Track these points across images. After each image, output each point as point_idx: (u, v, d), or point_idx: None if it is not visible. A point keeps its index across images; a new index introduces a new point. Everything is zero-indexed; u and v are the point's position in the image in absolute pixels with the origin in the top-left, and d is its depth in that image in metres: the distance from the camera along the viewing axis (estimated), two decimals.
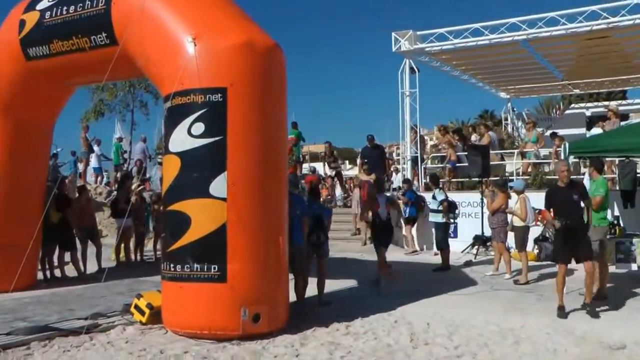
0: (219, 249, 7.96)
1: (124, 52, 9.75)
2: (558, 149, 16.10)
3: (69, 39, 10.85)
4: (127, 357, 7.28)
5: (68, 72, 11.74)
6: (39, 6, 11.28)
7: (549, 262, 13.35)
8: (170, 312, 8.38)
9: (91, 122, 26.57)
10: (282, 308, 8.48)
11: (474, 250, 15.60)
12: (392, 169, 24.72)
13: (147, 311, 8.69)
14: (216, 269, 7.95)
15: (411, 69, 20.16)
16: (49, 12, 11.08)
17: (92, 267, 14.18)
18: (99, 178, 25.43)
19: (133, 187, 17.07)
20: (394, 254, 16.57)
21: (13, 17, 11.79)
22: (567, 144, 11.98)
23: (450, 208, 14.43)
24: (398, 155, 26.65)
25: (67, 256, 13.67)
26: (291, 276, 9.23)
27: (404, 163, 21.24)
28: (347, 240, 18.35)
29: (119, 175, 23.95)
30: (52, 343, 7.95)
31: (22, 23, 11.47)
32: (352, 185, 18.37)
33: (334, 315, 9.17)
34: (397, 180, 23.31)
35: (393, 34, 19.83)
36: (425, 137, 27.67)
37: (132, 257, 15.90)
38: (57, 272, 13.55)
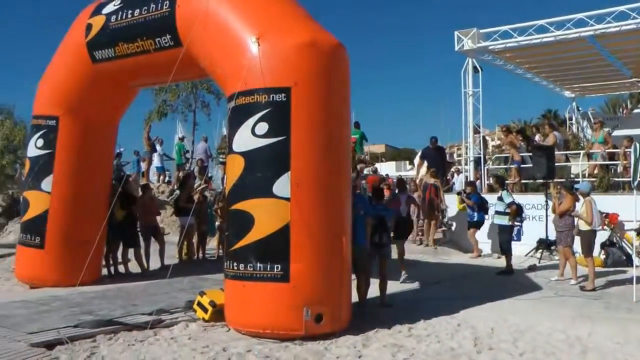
0: (282, 249, 7.98)
1: (188, 53, 9.88)
2: (627, 150, 15.60)
3: (134, 42, 11.08)
4: (190, 353, 7.35)
5: (133, 74, 12.00)
6: (105, 10, 11.55)
7: (616, 269, 13.05)
8: (232, 311, 8.43)
9: (154, 122, 27.05)
10: (344, 309, 8.44)
11: (538, 254, 15.26)
12: (453, 170, 24.48)
13: (209, 309, 8.78)
14: (279, 268, 7.97)
15: (474, 68, 19.90)
16: (114, 16, 11.33)
17: (155, 264, 14.42)
18: (162, 177, 25.82)
19: (195, 186, 17.27)
20: (456, 258, 16.46)
21: (80, 22, 12.09)
22: (638, 145, 11.65)
23: (518, 211, 14.14)
24: (459, 156, 26.38)
25: (131, 253, 13.91)
26: (353, 277, 9.18)
27: (466, 164, 20.97)
28: (408, 241, 18.19)
29: (181, 174, 24.29)
30: (118, 337, 8.11)
31: (89, 27, 11.75)
32: (411, 186, 18.13)
33: (396, 317, 9.11)
34: (458, 181, 23.05)
35: (456, 32, 19.58)
36: (487, 138, 27.29)
37: (195, 255, 16.08)
38: (121, 268, 13.81)
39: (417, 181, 19.53)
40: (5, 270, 14.77)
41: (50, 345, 7.60)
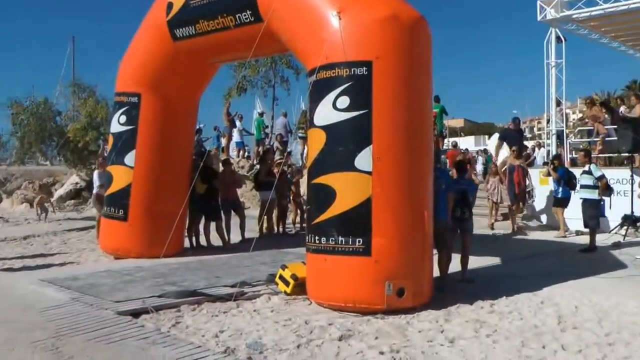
0: (364, 223, 7.96)
1: (268, 28, 9.90)
2: None
3: (215, 19, 11.18)
4: (273, 325, 7.42)
5: (213, 51, 12.14)
6: None
7: None
8: (314, 284, 8.48)
9: (233, 98, 27.29)
10: (426, 283, 8.38)
11: (622, 231, 14.77)
12: (533, 144, 23.96)
13: (291, 282, 8.84)
14: (361, 242, 7.95)
15: (557, 38, 19.33)
16: None
17: (235, 237, 14.62)
18: (241, 152, 26.13)
19: (275, 160, 17.40)
20: (537, 234, 16.13)
21: (160, 1, 12.28)
22: None
23: (608, 185, 13.62)
24: (539, 130, 25.80)
25: (212, 226, 14.13)
26: (435, 251, 9.10)
27: (548, 138, 20.47)
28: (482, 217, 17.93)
29: (260, 149, 24.53)
30: (201, 308, 8.26)
31: (170, 5, 11.94)
32: (492, 167, 17.64)
33: (477, 293, 8.98)
34: (539, 155, 22.56)
35: (538, 2, 19.00)
36: (568, 111, 26.55)
37: (275, 229, 16.24)
38: (203, 241, 14.04)
39: (499, 164, 18.93)
40: (90, 241, 15.27)
41: (136, 314, 7.82)
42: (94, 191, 15.12)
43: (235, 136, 25.85)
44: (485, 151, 28.39)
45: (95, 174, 15.34)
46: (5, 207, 26.73)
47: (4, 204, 27.79)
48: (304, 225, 16.12)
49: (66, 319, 7.58)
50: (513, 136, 19.44)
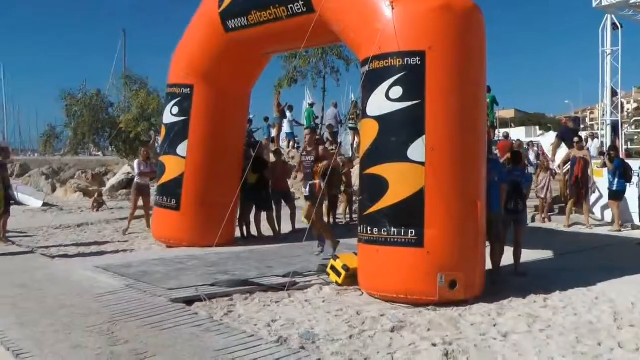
0: (417, 214, 7.90)
1: (321, 19, 9.89)
2: None
3: (267, 9, 11.20)
4: (324, 315, 7.43)
5: (265, 42, 12.18)
6: None
7: None
8: (366, 275, 8.46)
9: (284, 89, 27.35)
10: (478, 276, 8.27)
11: None
12: (587, 134, 23.48)
13: (343, 273, 8.83)
14: (413, 233, 7.91)
15: (613, 24, 18.87)
16: None
17: (286, 227, 14.66)
18: (291, 143, 26.20)
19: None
20: (594, 228, 15.80)
21: None
22: None
23: None
24: (592, 120, 25.33)
25: (263, 216, 14.18)
26: (487, 244, 8.99)
27: (602, 129, 20.02)
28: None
29: None
30: (253, 297, 8.32)
31: None
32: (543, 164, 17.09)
33: (530, 287, 8.82)
34: (593, 147, 22.11)
35: None
36: (623, 100, 25.96)
37: (325, 219, 16.21)
38: (254, 231, 14.11)
39: (559, 162, 18.28)
40: (143, 230, 15.49)
41: (189, 302, 7.94)
42: (136, 180, 15.46)
43: (286, 127, 25.94)
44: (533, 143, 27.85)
45: (135, 163, 15.60)
46: (59, 196, 27.30)
47: (58, 192, 28.39)
48: (354, 216, 16.18)
49: (120, 305, 7.75)
50: (566, 133, 18.93)
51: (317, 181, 10.77)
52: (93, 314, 7.30)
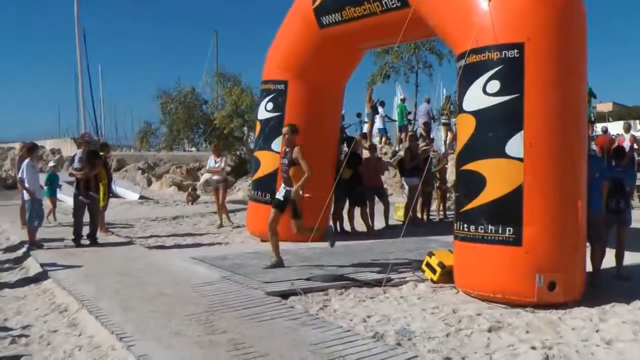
0: (515, 211, 7.71)
1: (416, 13, 9.78)
2: None
3: (361, 5, 11.19)
4: (420, 313, 7.37)
5: (359, 37, 12.17)
6: None
7: None
8: (462, 273, 8.34)
9: (377, 84, 27.26)
10: (578, 278, 7.98)
11: None
12: None
13: (438, 270, 8.75)
14: (511, 231, 7.72)
15: None
16: None
17: (379, 224, 14.61)
18: (383, 139, 26.11)
19: (420, 147, 17.24)
20: None
21: None
22: None
23: None
24: None
25: (357, 212, 14.18)
26: (587, 244, 8.65)
27: None
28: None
29: (403, 135, 24.42)
30: (348, 292, 8.33)
31: None
32: None
33: (634, 292, 8.41)
34: None
35: None
36: None
37: (419, 216, 16.11)
38: (347, 227, 14.10)
39: None
40: (237, 223, 15.76)
41: (284, 295, 8.02)
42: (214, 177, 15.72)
43: (378, 122, 25.87)
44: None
45: (211, 159, 15.86)
46: (154, 190, 28.16)
47: (153, 186, 29.28)
48: (448, 212, 16.01)
49: (217, 296, 7.93)
50: None
51: (294, 188, 9.49)
52: (191, 303, 7.48)
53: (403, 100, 26.72)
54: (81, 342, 6.54)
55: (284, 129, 9.85)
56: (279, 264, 9.69)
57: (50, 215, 16.21)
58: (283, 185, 9.77)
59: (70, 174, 13.18)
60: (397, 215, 15.85)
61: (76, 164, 12.74)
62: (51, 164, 20.01)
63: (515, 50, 7.96)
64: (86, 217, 12.74)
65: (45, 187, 16.54)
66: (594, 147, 18.41)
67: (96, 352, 6.19)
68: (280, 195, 9.82)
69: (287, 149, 9.69)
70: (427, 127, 24.07)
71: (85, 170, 12.52)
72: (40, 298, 8.75)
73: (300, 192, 9.42)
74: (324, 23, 12.04)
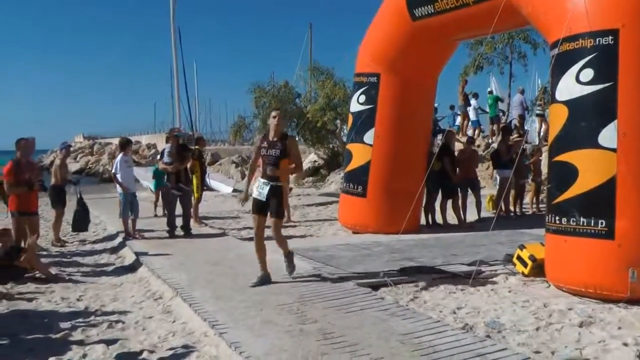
0: (607, 204, 7.52)
1: (509, 2, 9.65)
2: None
3: None
4: (510, 305, 7.32)
5: (452, 28, 12.08)
6: None
7: None
8: (553, 266, 8.20)
9: (470, 76, 26.93)
10: None
11: None
12: None
13: (529, 263, 8.64)
14: (603, 224, 7.54)
15: None
16: None
17: (471, 216, 14.51)
18: (477, 131, 25.78)
19: (512, 138, 16.99)
20: None
21: None
22: None
23: None
24: None
25: (449, 204, 14.11)
26: None
27: None
28: None
29: (495, 127, 24.06)
30: (439, 284, 8.35)
31: None
32: None
33: None
34: None
35: None
36: None
37: (512, 208, 15.88)
38: (439, 219, 14.07)
39: None
40: (329, 216, 15.94)
41: (374, 287, 8.11)
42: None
43: (471, 115, 25.57)
44: None
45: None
46: None
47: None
48: (541, 205, 15.71)
49: (308, 287, 8.09)
50: None
51: (282, 182, 8.35)
52: (283, 294, 7.67)
53: (491, 92, 26.33)
54: (175, 328, 6.85)
55: (274, 113, 8.33)
56: (265, 278, 8.32)
57: (157, 207, 16.77)
58: (264, 181, 8.19)
59: (162, 169, 13.61)
60: (489, 207, 15.69)
61: (166, 158, 13.16)
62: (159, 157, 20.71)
63: (610, 37, 7.77)
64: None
65: (152, 180, 17.25)
66: None
67: (189, 338, 6.47)
68: (261, 195, 8.17)
69: (274, 138, 8.20)
70: (522, 119, 23.64)
71: (176, 163, 12.91)
72: (135, 286, 9.19)
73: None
74: (417, 15, 12.02)
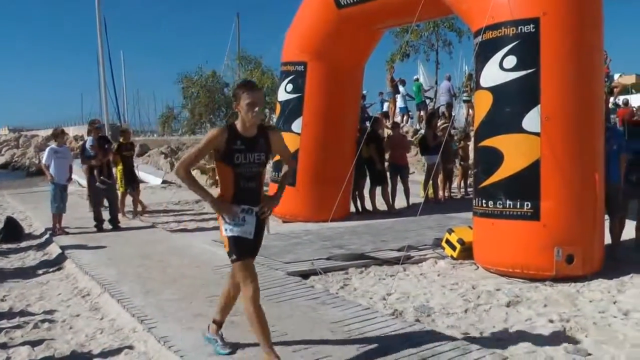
0: (532, 186, 7.74)
1: None
2: None
3: None
4: (439, 289, 7.44)
5: (377, 16, 12.15)
6: None
7: None
8: (481, 249, 8.38)
9: (396, 63, 27.20)
10: (597, 250, 8.01)
11: None
12: None
13: (458, 246, 8.79)
14: (529, 206, 7.75)
15: None
16: None
17: (400, 202, 14.63)
18: (405, 117, 26.07)
19: (440, 124, 17.20)
20: None
21: None
22: None
23: None
24: None
25: (378, 191, 14.20)
26: (606, 217, 8.68)
27: None
28: None
29: (423, 113, 24.37)
30: (368, 270, 8.44)
31: None
32: None
33: None
34: None
35: None
36: None
37: (440, 193, 16.09)
38: (369, 205, 14.16)
39: None
40: None
41: (305, 275, 8.13)
42: None
43: (399, 102, 25.83)
44: None
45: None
46: None
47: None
48: (469, 189, 15.98)
49: None
50: None
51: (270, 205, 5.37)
52: (213, 285, 7.57)
53: (417, 80, 26.68)
54: (103, 326, 6.70)
55: (251, 94, 4.86)
56: None
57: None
58: (244, 208, 5.08)
59: (83, 162, 13.24)
60: (422, 193, 15.88)
61: (87, 152, 12.84)
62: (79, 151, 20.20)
63: (531, 25, 7.96)
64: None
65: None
66: (615, 119, 18.26)
67: (118, 335, 6.34)
68: (248, 230, 5.06)
69: (259, 138, 5.09)
70: (449, 105, 24.02)
71: (99, 156, 12.62)
72: (62, 283, 8.95)
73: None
74: (342, 3, 12.02)
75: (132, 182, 14.31)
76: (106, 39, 27.08)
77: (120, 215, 13.40)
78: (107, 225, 12.65)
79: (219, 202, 5.17)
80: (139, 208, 14.64)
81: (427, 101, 25.92)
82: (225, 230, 5.08)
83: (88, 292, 8.10)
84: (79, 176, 19.22)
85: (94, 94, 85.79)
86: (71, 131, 66.84)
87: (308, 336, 5.65)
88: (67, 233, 12.16)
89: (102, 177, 12.59)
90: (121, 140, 14.48)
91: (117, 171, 13.88)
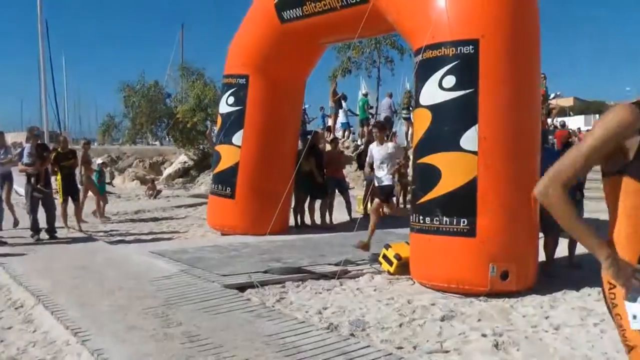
0: (469, 203, 7.86)
1: (375, 8, 9.90)
2: None
3: (322, 0, 11.22)
4: (375, 304, 7.47)
5: (320, 32, 12.22)
6: None
7: None
8: (417, 264, 8.46)
9: (338, 79, 27.38)
10: (531, 267, 8.19)
11: None
12: None
13: (395, 262, 8.86)
14: (465, 223, 7.87)
15: None
16: None
17: (340, 217, 14.70)
18: (346, 133, 26.24)
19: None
20: None
21: None
22: None
23: None
24: None
25: (317, 205, 14.25)
26: (541, 235, 8.89)
27: None
28: (598, 201, 17.22)
29: (365, 129, 24.57)
30: (305, 284, 8.41)
31: None
32: None
33: (584, 280, 8.53)
34: None
35: None
36: None
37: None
38: (308, 220, 14.19)
39: None
40: (198, 217, 15.79)
41: (241, 288, 8.07)
42: None
43: (341, 117, 25.99)
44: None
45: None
46: (117, 184, 27.97)
47: (116, 180, 29.07)
48: (408, 205, 16.13)
49: (175, 289, 7.93)
50: None
51: None
52: (149, 297, 7.49)
53: (365, 95, 26.89)
54: (35, 338, 6.52)
55: None
56: None
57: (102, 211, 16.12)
58: None
59: (21, 170, 12.88)
60: (359, 209, 15.97)
61: (25, 159, 12.54)
62: (99, 160, 19.79)
63: (471, 47, 8.11)
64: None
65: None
66: (553, 140, 18.70)
67: (50, 348, 6.17)
68: None
69: None
70: (389, 122, 24.24)
71: (37, 164, 12.36)
72: None
73: None
74: (285, 18, 12.08)
75: (73, 193, 13.98)
76: (47, 43, 26.58)
77: (64, 228, 13.12)
78: (44, 235, 12.37)
79: (625, 264, 2.63)
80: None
81: (369, 117, 26.15)
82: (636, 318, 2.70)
83: (22, 304, 7.86)
84: (18, 185, 18.75)
85: (34, 101, 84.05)
86: (9, 138, 65.04)
87: (243, 349, 5.61)
88: (4, 243, 11.84)
89: (38, 186, 12.33)
90: (59, 149, 14.14)
91: (57, 180, 13.60)
